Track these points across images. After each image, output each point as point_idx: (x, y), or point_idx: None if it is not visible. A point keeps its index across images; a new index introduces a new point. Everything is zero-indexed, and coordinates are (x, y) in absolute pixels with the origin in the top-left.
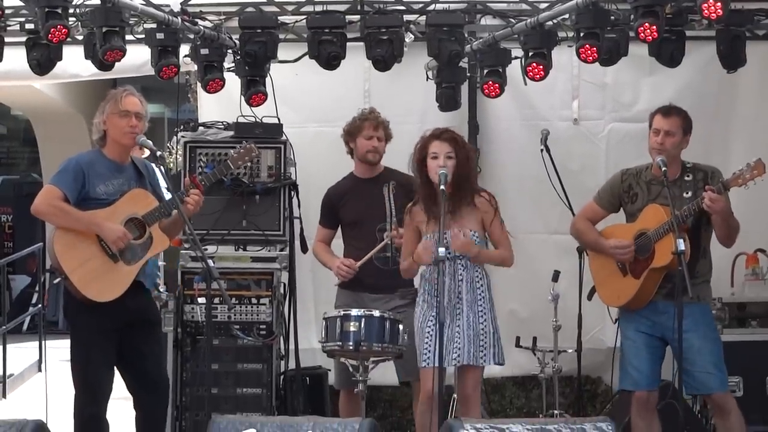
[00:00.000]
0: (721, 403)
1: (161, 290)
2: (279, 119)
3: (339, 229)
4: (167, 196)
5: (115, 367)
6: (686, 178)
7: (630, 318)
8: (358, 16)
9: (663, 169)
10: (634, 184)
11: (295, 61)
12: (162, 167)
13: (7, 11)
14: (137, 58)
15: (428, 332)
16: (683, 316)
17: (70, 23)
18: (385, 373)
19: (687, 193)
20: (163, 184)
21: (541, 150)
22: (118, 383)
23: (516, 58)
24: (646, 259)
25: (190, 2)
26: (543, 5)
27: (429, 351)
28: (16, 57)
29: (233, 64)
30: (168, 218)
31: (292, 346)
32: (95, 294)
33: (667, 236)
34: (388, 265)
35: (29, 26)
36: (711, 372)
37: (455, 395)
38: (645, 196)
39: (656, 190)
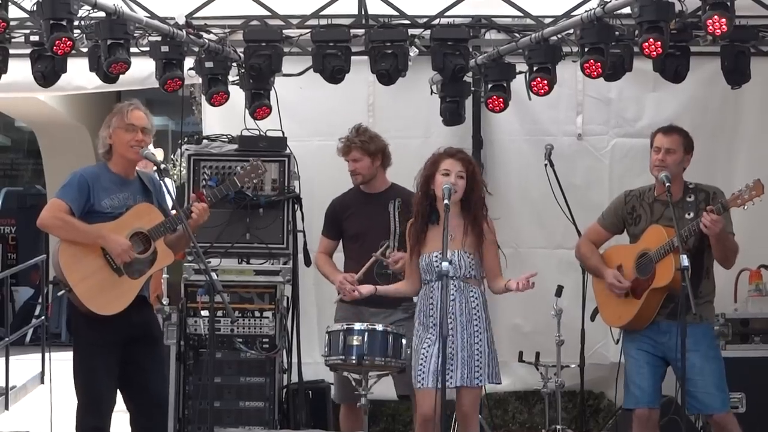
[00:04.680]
0: (723, 424)
1: (164, 303)
2: (283, 132)
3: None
4: (173, 211)
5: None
6: (688, 199)
7: (632, 337)
8: (362, 30)
9: (667, 185)
10: (638, 205)
11: (300, 74)
12: (167, 181)
13: (12, 23)
14: (142, 70)
15: (423, 353)
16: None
17: (75, 36)
18: (387, 388)
19: (689, 214)
20: (169, 199)
21: (545, 165)
22: (121, 396)
23: (520, 72)
24: (647, 280)
25: (194, 15)
26: (548, 20)
27: (423, 372)
28: (21, 69)
29: (238, 78)
30: (173, 233)
31: (294, 360)
32: (99, 307)
33: (668, 257)
34: (388, 280)
35: (34, 38)
36: (712, 392)
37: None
38: (648, 217)
39: (659, 210)
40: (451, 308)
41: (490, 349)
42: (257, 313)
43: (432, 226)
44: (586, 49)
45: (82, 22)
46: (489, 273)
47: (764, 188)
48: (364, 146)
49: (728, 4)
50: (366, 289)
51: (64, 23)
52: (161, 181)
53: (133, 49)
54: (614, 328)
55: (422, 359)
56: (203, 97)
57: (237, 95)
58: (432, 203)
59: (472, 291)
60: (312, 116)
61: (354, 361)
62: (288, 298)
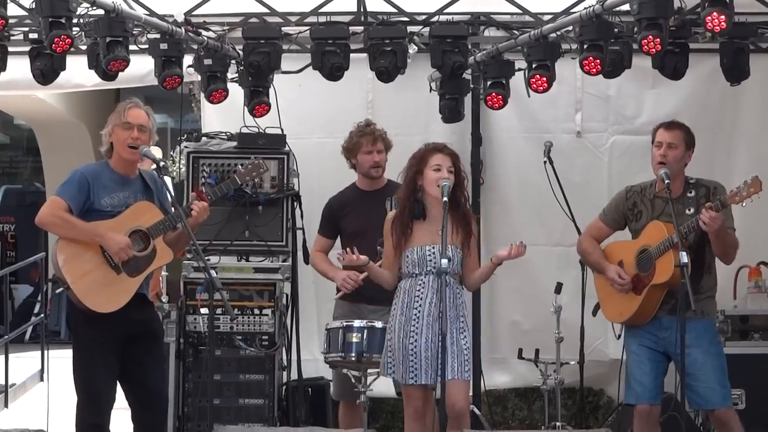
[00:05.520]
0: (724, 419)
1: (163, 301)
2: (282, 130)
3: (338, 239)
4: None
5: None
6: (689, 195)
7: (634, 333)
8: (361, 27)
9: (666, 181)
10: (639, 201)
11: (299, 71)
12: (166, 178)
13: (11, 21)
14: (141, 68)
15: (412, 350)
16: (687, 331)
17: (74, 33)
18: (386, 385)
19: (689, 209)
20: (169, 197)
21: (544, 162)
22: (121, 393)
23: (519, 69)
24: (647, 276)
25: (193, 13)
26: (547, 17)
27: (416, 368)
28: (20, 66)
29: (237, 75)
30: (173, 231)
31: (294, 357)
32: (97, 305)
33: (668, 253)
34: None
35: (33, 36)
36: (713, 387)
37: None
38: (649, 213)
39: (660, 206)
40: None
41: (471, 345)
42: (256, 311)
43: (417, 221)
44: (585, 46)
45: (81, 20)
46: (468, 270)
47: (762, 185)
48: (386, 139)
49: (727, 1)
50: (364, 257)
51: (63, 21)
52: (161, 179)
53: (132, 47)
54: (615, 324)
55: (412, 354)
56: (202, 95)
57: (236, 92)
58: (419, 198)
59: (457, 287)
60: (311, 114)
61: (353, 358)
62: (287, 295)
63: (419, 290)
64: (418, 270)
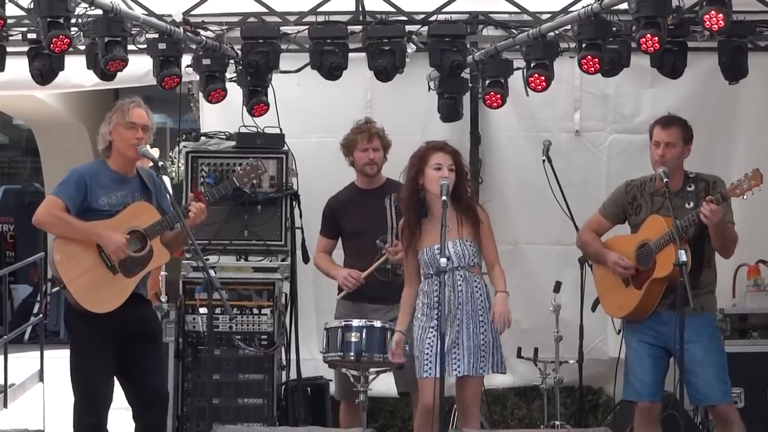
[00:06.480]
0: (724, 415)
1: (162, 300)
2: (281, 129)
3: (339, 239)
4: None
5: (116, 378)
6: (688, 189)
7: (634, 329)
8: (360, 27)
9: (665, 180)
10: (638, 195)
11: (297, 71)
12: (165, 178)
13: (9, 21)
14: (139, 68)
15: (428, 343)
16: (686, 326)
17: (72, 33)
18: (386, 384)
19: (689, 203)
20: (167, 196)
21: (543, 161)
22: (119, 393)
23: (518, 68)
24: (647, 270)
25: (192, 12)
26: (545, 16)
27: (430, 362)
28: (19, 67)
29: (235, 75)
30: (171, 231)
31: (293, 357)
32: (93, 305)
33: (668, 247)
34: (388, 276)
35: (31, 36)
36: (713, 384)
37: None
38: (648, 208)
39: (659, 201)
40: (458, 297)
41: (494, 337)
42: (255, 310)
43: (424, 220)
44: (583, 45)
45: (80, 20)
46: (487, 261)
47: (763, 178)
48: (383, 138)
49: None
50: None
51: (62, 21)
52: (159, 179)
53: (130, 47)
54: (615, 319)
55: (427, 349)
56: (201, 95)
57: (235, 92)
58: (421, 198)
59: (476, 280)
60: (310, 113)
61: (352, 358)
62: (286, 294)
63: (437, 290)
64: (432, 270)
